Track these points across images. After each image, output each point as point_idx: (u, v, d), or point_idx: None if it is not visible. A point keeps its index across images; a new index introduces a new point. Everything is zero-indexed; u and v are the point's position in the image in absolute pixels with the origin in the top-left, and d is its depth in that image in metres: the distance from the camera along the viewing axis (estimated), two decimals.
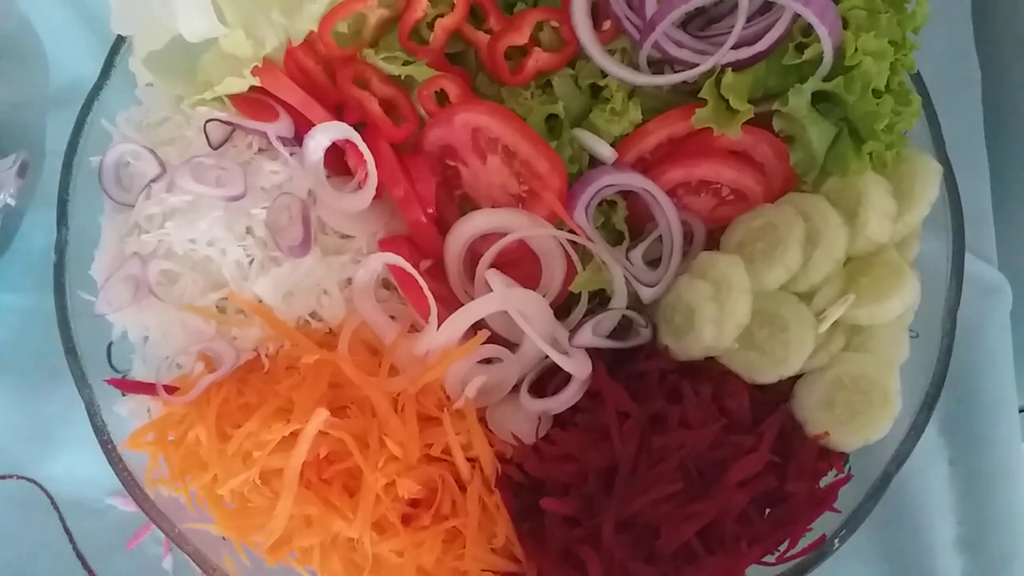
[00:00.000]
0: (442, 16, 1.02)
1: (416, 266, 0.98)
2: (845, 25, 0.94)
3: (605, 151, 1.00)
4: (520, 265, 1.03)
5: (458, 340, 0.98)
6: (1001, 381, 1.16)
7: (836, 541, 0.98)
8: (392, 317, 1.00)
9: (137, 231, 1.02)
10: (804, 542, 0.97)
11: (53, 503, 1.16)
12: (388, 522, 0.96)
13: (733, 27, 0.94)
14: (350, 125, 0.99)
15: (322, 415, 0.93)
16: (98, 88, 1.09)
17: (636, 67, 1.00)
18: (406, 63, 1.02)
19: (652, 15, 0.96)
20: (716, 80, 0.95)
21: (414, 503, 0.98)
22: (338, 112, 1.03)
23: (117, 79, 1.09)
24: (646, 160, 1.02)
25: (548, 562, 0.95)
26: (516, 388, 1.00)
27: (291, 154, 1.00)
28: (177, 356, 1.01)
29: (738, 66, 0.95)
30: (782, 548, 0.96)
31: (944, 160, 1.03)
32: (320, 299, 1.01)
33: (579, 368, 0.97)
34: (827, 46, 0.93)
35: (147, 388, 1.00)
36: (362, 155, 0.99)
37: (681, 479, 0.92)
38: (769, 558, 0.96)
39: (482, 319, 0.99)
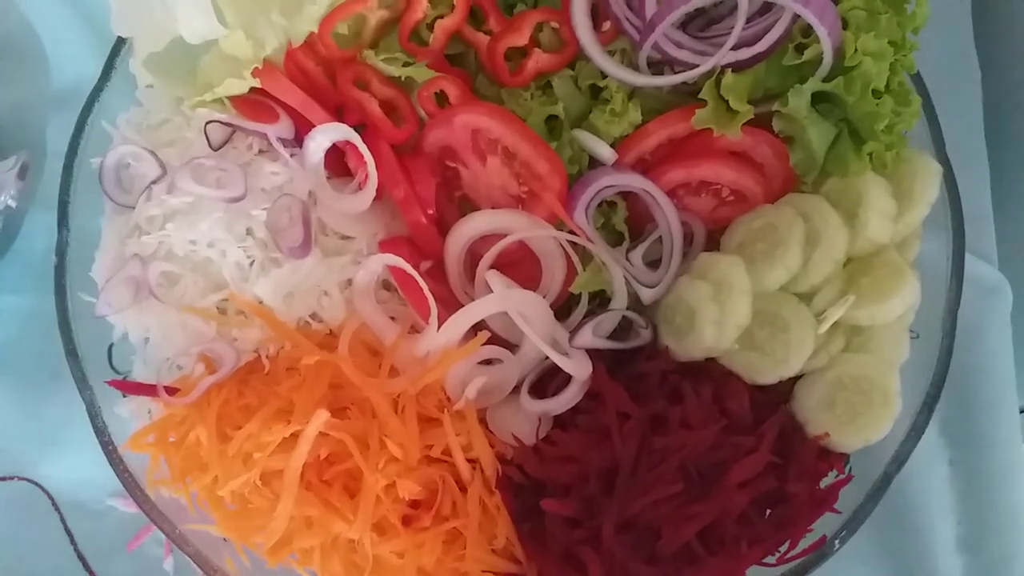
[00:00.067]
0: (442, 17, 1.02)
1: (416, 267, 0.98)
2: (845, 26, 0.94)
3: (605, 152, 1.00)
4: (520, 266, 1.03)
5: (458, 341, 0.98)
6: (1001, 381, 1.16)
7: (837, 542, 0.98)
8: (392, 318, 1.00)
9: (138, 232, 1.02)
10: (805, 543, 0.97)
11: (54, 504, 1.16)
12: (388, 523, 0.96)
13: (733, 28, 0.94)
14: (350, 126, 1.00)
15: (322, 416, 0.93)
16: (98, 90, 1.09)
17: (636, 68, 1.00)
18: (406, 64, 1.02)
19: (652, 16, 0.96)
20: (716, 81, 0.95)
21: (414, 504, 0.98)
22: (338, 113, 1.03)
23: (117, 81, 1.09)
24: (646, 161, 1.02)
25: (549, 563, 0.95)
26: (516, 389, 1.00)
27: (291, 155, 1.00)
28: (178, 357, 1.01)
29: (738, 67, 0.95)
30: (783, 549, 0.96)
31: (944, 160, 1.03)
32: (320, 300, 1.01)
33: (579, 369, 0.97)
34: (827, 47, 0.93)
35: (148, 389, 1.00)
36: (362, 156, 0.99)
37: (682, 480, 0.92)
38: (770, 559, 0.96)
39: (482, 320, 0.99)
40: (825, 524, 0.97)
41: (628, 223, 1.03)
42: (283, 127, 1.01)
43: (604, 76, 1.01)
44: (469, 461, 0.98)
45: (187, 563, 1.02)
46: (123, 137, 1.06)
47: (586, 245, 1.00)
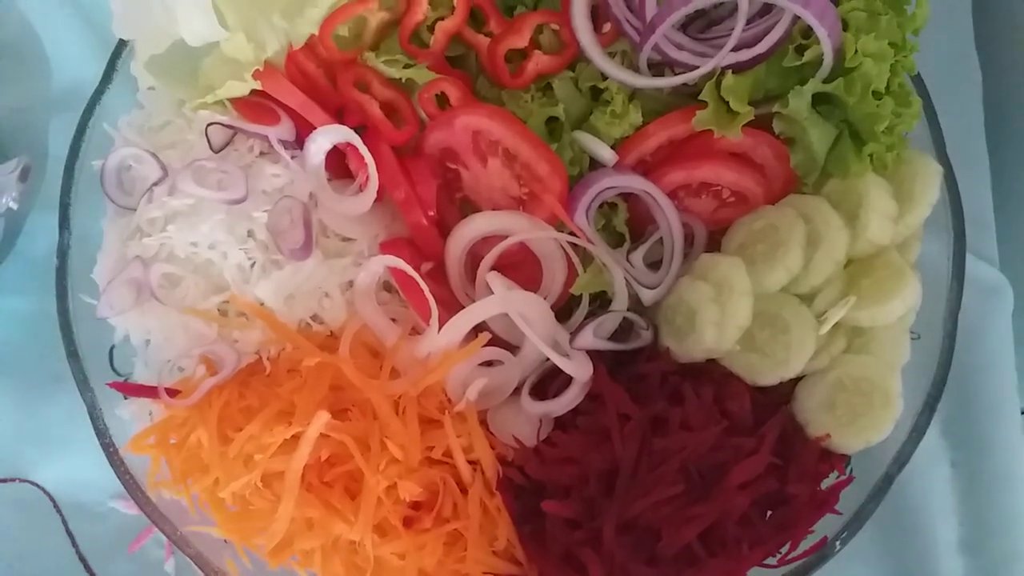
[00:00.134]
0: (442, 19, 1.02)
1: (417, 269, 0.98)
2: (845, 27, 0.94)
3: (606, 153, 1.00)
4: (521, 267, 1.03)
5: (459, 342, 0.98)
6: (1003, 382, 1.15)
7: (838, 543, 0.98)
8: (393, 320, 1.01)
9: (139, 234, 1.02)
10: (806, 544, 0.96)
11: (55, 506, 1.16)
12: (389, 525, 0.96)
13: (733, 29, 0.94)
14: (351, 128, 1.00)
15: (323, 418, 0.93)
16: (100, 92, 1.09)
17: (636, 69, 1.00)
18: (407, 66, 1.02)
19: (652, 17, 0.96)
20: (716, 82, 0.95)
21: (415, 506, 0.98)
22: (339, 115, 1.03)
23: (119, 83, 1.09)
24: (647, 162, 1.02)
25: (549, 564, 0.95)
26: (517, 391, 1.00)
27: (292, 157, 1.00)
28: (179, 359, 1.01)
29: (738, 68, 0.95)
30: (784, 550, 0.96)
31: (945, 161, 1.03)
32: (321, 302, 1.01)
33: (580, 370, 0.97)
34: (827, 48, 0.93)
35: (149, 391, 1.00)
36: (363, 158, 0.99)
37: (682, 481, 0.92)
38: (771, 560, 0.96)
39: (483, 321, 0.99)
40: (826, 525, 0.97)
41: (629, 224, 1.03)
42: (284, 129, 1.01)
43: (604, 78, 1.01)
44: (470, 462, 0.98)
45: (188, 565, 1.02)
46: (124, 139, 1.06)
47: (587, 246, 1.00)
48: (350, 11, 1.01)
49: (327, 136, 0.99)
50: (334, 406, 0.96)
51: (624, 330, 1.01)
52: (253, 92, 1.01)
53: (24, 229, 1.21)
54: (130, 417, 1.04)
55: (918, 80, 1.03)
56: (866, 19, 0.93)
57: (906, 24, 0.94)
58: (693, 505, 0.92)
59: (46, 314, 1.05)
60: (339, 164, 1.02)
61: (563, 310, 1.03)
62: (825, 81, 0.94)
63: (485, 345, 0.99)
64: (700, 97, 0.96)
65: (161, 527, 1.01)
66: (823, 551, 0.97)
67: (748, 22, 0.94)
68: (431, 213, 1.01)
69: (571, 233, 1.00)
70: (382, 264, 0.99)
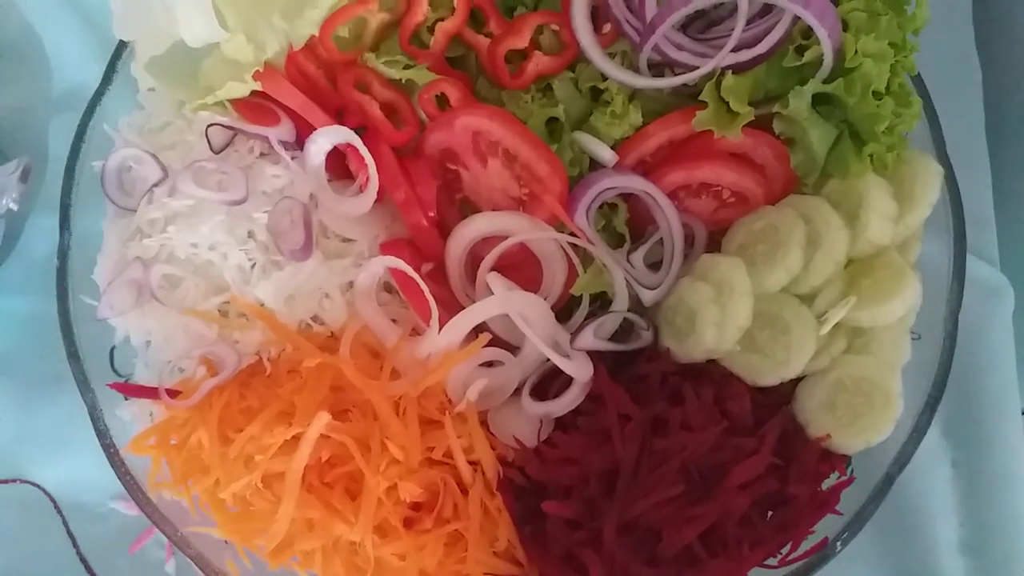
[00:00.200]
0: (443, 20, 1.02)
1: (417, 269, 0.98)
2: (845, 27, 0.94)
3: (606, 154, 1.00)
4: (521, 268, 1.03)
5: (459, 343, 0.98)
6: (1004, 383, 1.15)
7: (838, 544, 0.98)
8: (394, 320, 1.01)
9: (139, 235, 1.02)
10: (806, 545, 0.96)
11: (56, 507, 1.16)
12: (390, 525, 0.96)
13: (733, 30, 0.94)
14: (351, 129, 1.00)
15: (324, 419, 0.93)
16: (100, 93, 1.09)
17: (636, 70, 1.00)
18: (407, 67, 1.02)
19: (652, 18, 0.96)
20: (716, 83, 0.95)
21: (416, 506, 0.98)
22: (339, 116, 1.03)
23: (119, 84, 1.09)
24: (647, 163, 1.02)
25: (550, 565, 0.95)
26: (518, 391, 1.00)
27: (292, 158, 1.00)
28: (179, 360, 1.02)
29: (738, 68, 0.95)
30: (784, 551, 0.96)
31: (945, 161, 1.03)
32: (322, 303, 1.01)
33: (580, 371, 0.97)
34: (827, 48, 0.93)
35: (149, 392, 1.00)
36: (363, 159, 0.99)
37: (683, 482, 0.92)
38: (771, 561, 0.96)
39: (483, 322, 0.99)
40: (827, 526, 0.97)
41: (629, 225, 1.03)
42: (284, 130, 1.02)
43: (604, 78, 1.01)
44: (470, 463, 0.98)
45: (189, 565, 1.02)
46: (125, 140, 1.06)
47: (587, 247, 1.00)
48: (350, 12, 1.01)
49: (327, 137, 0.99)
50: (334, 407, 0.96)
51: (624, 331, 1.01)
52: (253, 93, 1.01)
53: (24, 230, 1.21)
54: (131, 418, 1.05)
55: (918, 80, 1.03)
56: (866, 19, 0.93)
57: (906, 24, 0.94)
58: (694, 505, 0.92)
59: (47, 315, 1.05)
60: (339, 165, 1.02)
61: (563, 311, 1.03)
62: (825, 81, 0.94)
63: (485, 346, 0.99)
64: (700, 97, 0.96)
65: (162, 528, 1.01)
66: (824, 552, 0.97)
67: (748, 22, 0.94)
68: (431, 214, 1.01)
69: (571, 234, 1.00)
70: (382, 265, 0.99)
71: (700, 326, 0.95)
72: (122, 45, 1.09)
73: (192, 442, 0.98)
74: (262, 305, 1.00)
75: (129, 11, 1.04)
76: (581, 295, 1.02)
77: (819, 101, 0.96)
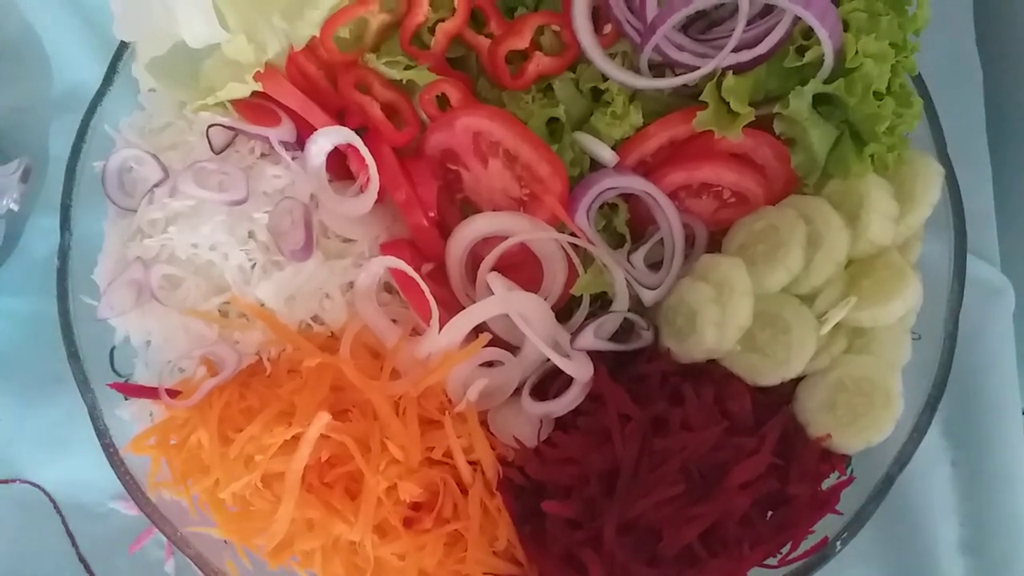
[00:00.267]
0: (443, 21, 1.02)
1: (418, 270, 0.98)
2: (846, 27, 0.94)
3: (606, 154, 1.00)
4: (521, 268, 1.03)
5: (460, 343, 0.98)
6: (1004, 383, 1.15)
7: (838, 543, 0.98)
8: (394, 321, 1.01)
9: (140, 236, 1.02)
10: (806, 544, 0.96)
11: (56, 507, 1.16)
12: (390, 525, 0.96)
13: (734, 30, 0.94)
14: (352, 129, 1.00)
15: (324, 419, 0.93)
16: (101, 94, 1.09)
17: (637, 70, 1.00)
18: (407, 67, 1.02)
19: (653, 19, 0.96)
20: (717, 83, 0.95)
21: (416, 506, 0.98)
22: (340, 117, 1.03)
23: (120, 85, 1.09)
24: (647, 163, 1.02)
25: (550, 565, 0.95)
26: (518, 391, 1.00)
27: (293, 159, 1.01)
28: (179, 360, 1.02)
29: (739, 69, 0.95)
30: (784, 551, 0.96)
31: (946, 161, 1.03)
32: (322, 303, 1.01)
33: (581, 371, 0.97)
34: (828, 49, 0.93)
35: (149, 392, 1.00)
36: (364, 159, 0.99)
37: (683, 481, 0.92)
38: (771, 560, 0.96)
39: (484, 322, 0.99)
40: (827, 526, 0.97)
41: (629, 225, 1.03)
42: (285, 130, 1.02)
43: (605, 79, 1.01)
44: (470, 463, 0.98)
45: (188, 565, 1.02)
46: (125, 141, 1.06)
47: (587, 247, 1.00)
48: (351, 13, 1.01)
49: (328, 137, 0.99)
50: (334, 407, 0.96)
51: (625, 331, 1.01)
52: (254, 94, 1.01)
53: (25, 230, 1.21)
54: (130, 418, 1.05)
55: (919, 80, 1.03)
56: (867, 20, 0.93)
57: (907, 24, 0.94)
58: (694, 505, 0.92)
59: (47, 315, 1.05)
60: (340, 165, 1.02)
61: (564, 311, 1.03)
62: (826, 82, 0.94)
63: (486, 346, 0.99)
64: (701, 98, 0.96)
65: (161, 528, 1.01)
66: (824, 551, 0.97)
67: (749, 23, 0.94)
68: (432, 214, 1.01)
69: (572, 234, 1.00)
70: (383, 265, 0.99)
71: (700, 326, 0.95)
72: (123, 46, 1.09)
73: (192, 442, 0.98)
74: (262, 305, 1.00)
75: (130, 12, 1.04)
76: (581, 295, 1.02)
77: (820, 101, 0.96)
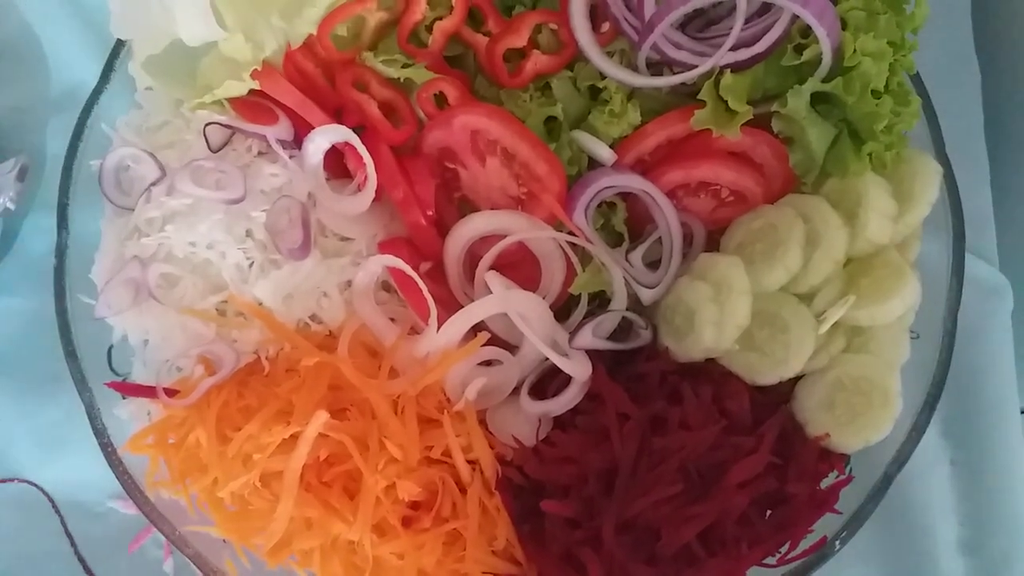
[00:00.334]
0: (441, 19, 1.02)
1: (416, 268, 0.98)
2: (844, 26, 0.94)
3: (604, 153, 1.00)
4: (520, 267, 1.03)
5: (458, 342, 0.98)
6: (1003, 382, 1.15)
7: (837, 543, 0.98)
8: (392, 319, 1.00)
9: (137, 234, 1.02)
10: (805, 544, 0.96)
11: (54, 506, 1.16)
12: (388, 524, 0.96)
13: (732, 28, 0.94)
14: (349, 128, 1.00)
15: (322, 417, 0.93)
16: (98, 92, 1.09)
17: (635, 69, 1.00)
18: (405, 66, 1.02)
19: (651, 17, 0.96)
20: (715, 81, 0.95)
21: (414, 505, 0.98)
22: (337, 115, 1.03)
23: (117, 83, 1.09)
24: (645, 162, 1.02)
25: (549, 564, 0.95)
26: (516, 390, 1.00)
27: (290, 157, 1.00)
28: (177, 359, 1.01)
29: (737, 67, 0.95)
30: (783, 550, 0.96)
31: (944, 160, 1.03)
32: (320, 301, 1.01)
33: (579, 370, 0.97)
34: (826, 47, 0.93)
35: (147, 391, 1.00)
36: (361, 158, 0.99)
37: (681, 481, 0.92)
38: (770, 560, 0.96)
39: (482, 321, 0.99)
40: (826, 525, 0.97)
41: (628, 224, 1.03)
42: (282, 129, 1.01)
43: (603, 77, 1.01)
44: (469, 462, 0.98)
45: (187, 564, 1.02)
46: (122, 139, 1.06)
47: (585, 246, 1.00)
48: (348, 11, 1.00)
49: (325, 136, 0.99)
50: (333, 406, 0.96)
51: (623, 330, 1.01)
52: (251, 92, 1.01)
53: (22, 229, 1.21)
54: (128, 417, 1.04)
55: (917, 79, 1.03)
56: (865, 18, 0.93)
57: (905, 23, 0.94)
58: (692, 504, 0.92)
59: (44, 314, 1.05)
60: (337, 164, 1.02)
61: (562, 310, 1.03)
62: (824, 80, 0.94)
63: (484, 345, 0.99)
64: (699, 96, 0.95)
65: (160, 527, 1.01)
66: (823, 550, 0.97)
67: (747, 21, 0.94)
68: (429, 213, 1.01)
69: (570, 232, 1.00)
70: (380, 264, 0.99)
71: (699, 325, 0.95)
72: (120, 44, 1.09)
73: (190, 441, 0.97)
74: (260, 304, 1.00)
75: (127, 10, 1.04)
76: (580, 294, 1.02)
77: (818, 100, 0.96)
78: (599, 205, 1.01)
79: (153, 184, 1.01)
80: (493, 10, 1.03)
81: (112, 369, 1.06)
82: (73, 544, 1.15)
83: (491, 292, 0.99)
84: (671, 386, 0.97)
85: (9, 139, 1.21)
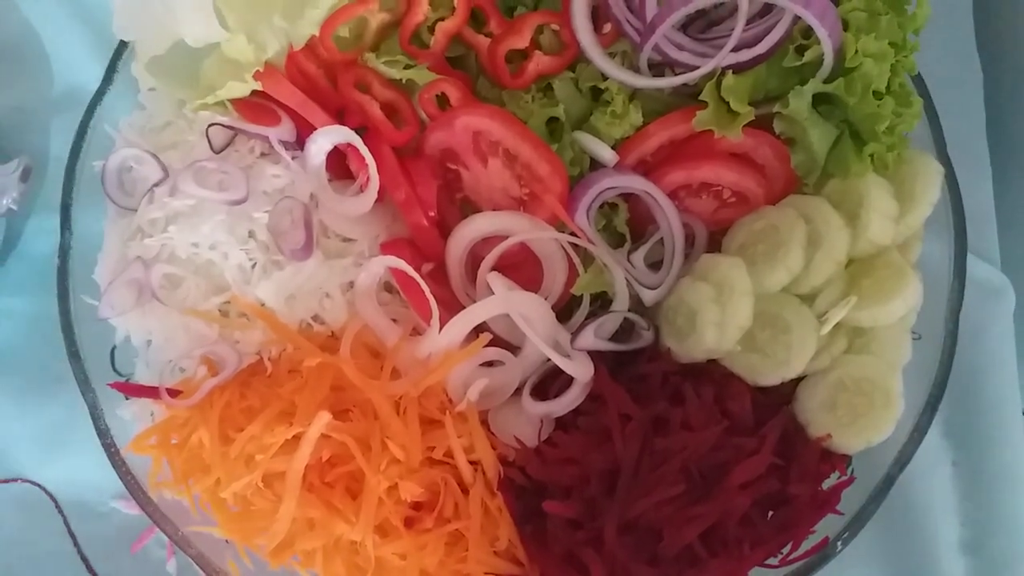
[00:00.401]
0: (443, 20, 1.02)
1: (418, 269, 0.98)
2: (845, 27, 0.94)
3: (606, 154, 1.00)
4: (522, 268, 1.03)
5: (460, 343, 0.98)
6: (1004, 382, 1.15)
7: (839, 544, 0.98)
8: (394, 320, 1.01)
9: (140, 235, 1.02)
10: (807, 544, 0.96)
11: (57, 507, 1.16)
12: (391, 525, 0.96)
13: (733, 29, 0.94)
14: (351, 129, 1.00)
15: (324, 418, 0.93)
16: (101, 93, 1.09)
17: (637, 70, 1.00)
18: (407, 67, 1.02)
19: (652, 18, 0.96)
20: (717, 82, 0.95)
21: (416, 506, 0.98)
22: (339, 116, 1.03)
23: (120, 84, 1.09)
24: (647, 162, 1.02)
25: (551, 565, 0.95)
26: (518, 391, 1.00)
27: (293, 158, 1.00)
28: (180, 360, 1.02)
29: (739, 68, 0.95)
30: (785, 551, 0.96)
31: (946, 161, 1.03)
32: (322, 302, 1.01)
33: (581, 371, 0.97)
34: (827, 48, 0.93)
35: (150, 392, 1.00)
36: (363, 159, 0.99)
37: (683, 481, 0.92)
38: (772, 560, 0.96)
39: (484, 322, 0.99)
40: (827, 526, 0.97)
41: (629, 225, 1.03)
42: (285, 130, 1.02)
43: (605, 78, 1.01)
44: (471, 463, 0.98)
45: (190, 565, 1.02)
46: (125, 140, 1.06)
47: (587, 247, 1.00)
48: (350, 12, 1.01)
49: (328, 137, 0.99)
50: (335, 406, 0.96)
51: (625, 330, 1.01)
52: (254, 93, 1.01)
53: (25, 230, 1.21)
54: (131, 417, 1.05)
55: (919, 80, 1.03)
56: (866, 19, 0.93)
57: (907, 24, 0.94)
58: (694, 505, 0.92)
59: (47, 315, 1.05)
60: (340, 165, 1.02)
61: (564, 311, 1.03)
62: (826, 81, 0.94)
63: (486, 345, 0.99)
64: (700, 97, 0.95)
65: (163, 527, 1.01)
66: (824, 551, 0.97)
67: (748, 22, 0.94)
68: (432, 214, 1.01)
69: (572, 233, 1.00)
70: (383, 265, 0.99)
71: (701, 326, 0.95)
72: (123, 45, 1.09)
73: (193, 441, 0.98)
74: (263, 305, 1.00)
75: (130, 11, 1.04)
76: (582, 295, 1.02)
77: (819, 101, 0.96)
78: (601, 206, 1.01)
79: (156, 185, 1.02)
80: (495, 11, 1.03)
81: (115, 370, 1.06)
82: (76, 544, 1.15)
83: (493, 293, 0.99)
84: (673, 387, 0.97)
85: (11, 140, 1.22)
